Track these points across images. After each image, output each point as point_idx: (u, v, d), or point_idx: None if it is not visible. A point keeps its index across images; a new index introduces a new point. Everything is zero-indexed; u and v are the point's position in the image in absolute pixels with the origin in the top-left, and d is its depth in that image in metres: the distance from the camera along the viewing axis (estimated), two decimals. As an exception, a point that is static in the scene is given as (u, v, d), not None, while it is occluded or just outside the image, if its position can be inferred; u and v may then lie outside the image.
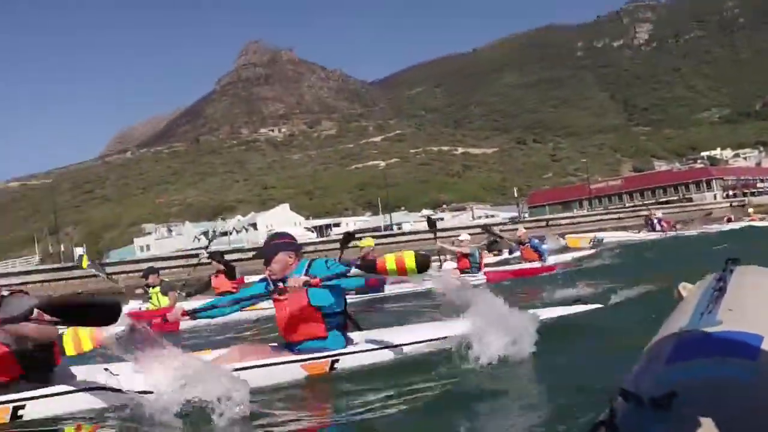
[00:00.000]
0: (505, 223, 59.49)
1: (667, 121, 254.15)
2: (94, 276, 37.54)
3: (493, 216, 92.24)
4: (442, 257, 18.11)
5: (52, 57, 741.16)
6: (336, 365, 5.41)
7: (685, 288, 2.88)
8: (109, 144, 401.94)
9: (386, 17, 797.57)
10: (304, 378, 5.32)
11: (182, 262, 40.52)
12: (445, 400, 4.65)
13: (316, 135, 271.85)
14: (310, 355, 5.39)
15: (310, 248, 45.25)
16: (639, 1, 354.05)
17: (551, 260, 18.55)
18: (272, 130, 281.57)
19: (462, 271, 15.16)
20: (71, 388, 4.70)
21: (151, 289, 13.20)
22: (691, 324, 2.24)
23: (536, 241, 18.00)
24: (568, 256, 20.72)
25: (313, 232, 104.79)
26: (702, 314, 2.32)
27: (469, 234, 16.94)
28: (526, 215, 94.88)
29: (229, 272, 14.01)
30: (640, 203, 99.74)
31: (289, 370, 5.32)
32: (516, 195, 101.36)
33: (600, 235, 22.41)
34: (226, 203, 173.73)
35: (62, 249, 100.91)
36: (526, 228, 24.37)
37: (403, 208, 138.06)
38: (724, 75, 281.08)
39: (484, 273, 14.65)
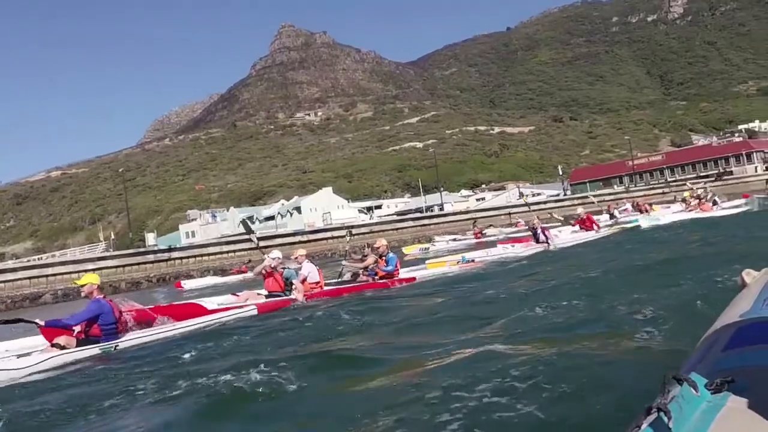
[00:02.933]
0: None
1: (703, 95, 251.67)
2: (166, 261, 40.65)
3: (539, 194, 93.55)
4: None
5: (88, 46, 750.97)
6: None
7: (749, 274, 2.82)
8: (148, 132, 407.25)
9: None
10: None
11: (230, 247, 43.38)
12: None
13: (352, 118, 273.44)
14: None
15: (365, 230, 47.77)
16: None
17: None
18: (308, 114, 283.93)
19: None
20: None
21: None
22: (753, 311, 2.15)
23: (390, 255, 16.36)
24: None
25: (366, 213, 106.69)
26: (765, 301, 2.23)
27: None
28: (569, 192, 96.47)
29: None
30: (681, 178, 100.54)
31: None
32: (560, 173, 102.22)
33: (469, 255, 19.27)
34: (266, 188, 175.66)
35: (112, 236, 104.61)
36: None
37: (442, 188, 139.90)
38: (760, 47, 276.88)
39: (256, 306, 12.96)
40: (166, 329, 10.70)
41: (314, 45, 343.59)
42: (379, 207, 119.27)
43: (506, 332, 6.83)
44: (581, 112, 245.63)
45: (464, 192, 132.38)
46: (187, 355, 8.09)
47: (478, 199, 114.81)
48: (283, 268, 14.38)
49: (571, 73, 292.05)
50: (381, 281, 15.59)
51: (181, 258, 37.15)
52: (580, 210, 26.04)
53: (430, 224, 49.68)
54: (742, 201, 29.53)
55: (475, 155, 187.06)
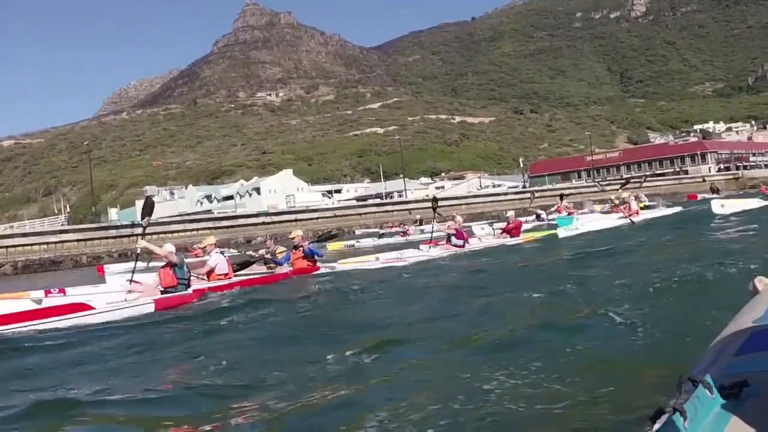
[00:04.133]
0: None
1: (661, 94, 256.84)
2: (128, 236, 40.17)
3: (499, 185, 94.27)
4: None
5: (45, 14, 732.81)
6: None
7: (761, 282, 2.87)
8: (105, 104, 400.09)
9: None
10: None
11: (193, 225, 42.97)
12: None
13: (314, 100, 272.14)
14: None
15: (328, 213, 47.84)
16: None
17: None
18: (269, 95, 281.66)
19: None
20: None
21: None
22: (766, 317, 2.20)
23: (311, 246, 16.15)
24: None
25: (329, 197, 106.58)
26: None
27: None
28: (527, 185, 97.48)
29: None
30: (638, 175, 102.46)
31: None
32: (521, 165, 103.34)
33: (383, 256, 17.65)
34: (225, 167, 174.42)
35: (67, 209, 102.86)
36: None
37: (401, 175, 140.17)
38: (717, 49, 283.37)
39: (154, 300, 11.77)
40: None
41: (278, 25, 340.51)
42: (338, 191, 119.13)
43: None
44: (541, 105, 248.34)
45: (423, 180, 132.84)
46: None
47: (437, 188, 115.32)
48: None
49: (533, 66, 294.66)
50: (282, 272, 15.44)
51: (143, 234, 36.87)
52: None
53: (393, 210, 49.82)
54: (676, 209, 28.41)
55: (436, 143, 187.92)
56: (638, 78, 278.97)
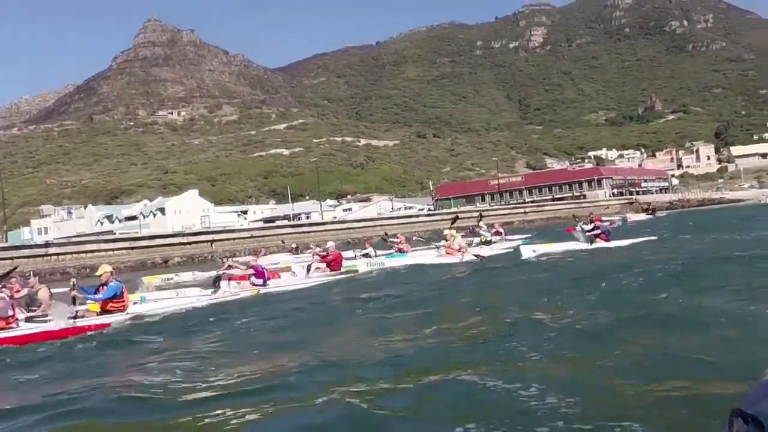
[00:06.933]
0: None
1: (557, 121, 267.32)
2: (42, 256, 38.62)
3: (410, 207, 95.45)
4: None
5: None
6: None
7: None
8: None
9: (291, 3, 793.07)
10: None
11: (109, 245, 41.73)
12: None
13: (217, 120, 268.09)
14: None
15: (245, 234, 47.32)
16: (535, 6, 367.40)
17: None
18: (171, 113, 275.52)
19: None
20: None
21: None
22: None
23: (113, 283, 12.89)
24: None
25: (245, 218, 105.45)
26: None
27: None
28: (431, 208, 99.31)
29: None
30: (539, 199, 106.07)
31: None
32: (432, 188, 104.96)
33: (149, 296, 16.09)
34: (124, 187, 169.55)
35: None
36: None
37: (307, 197, 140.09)
38: (609, 80, 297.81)
39: None
40: None
41: (180, 42, 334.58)
42: (245, 212, 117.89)
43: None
44: (444, 129, 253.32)
45: (330, 202, 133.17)
46: None
47: (345, 209, 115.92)
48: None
49: (436, 91, 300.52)
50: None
51: (58, 254, 35.24)
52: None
53: (310, 231, 49.76)
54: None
55: (342, 166, 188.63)
56: (536, 106, 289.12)
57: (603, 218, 31.21)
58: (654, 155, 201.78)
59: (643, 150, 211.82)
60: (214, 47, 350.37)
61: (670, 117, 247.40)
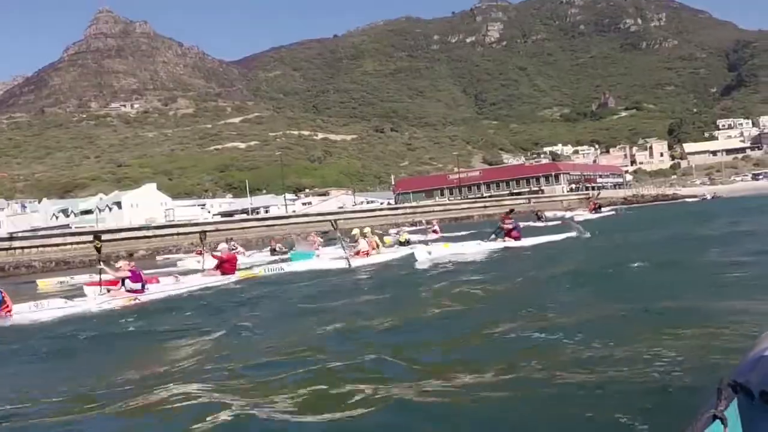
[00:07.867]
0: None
1: (513, 117, 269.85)
2: (6, 249, 37.69)
3: (372, 201, 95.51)
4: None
5: None
6: None
7: None
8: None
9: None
10: None
11: (74, 239, 40.95)
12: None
13: (172, 113, 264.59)
14: None
15: (210, 227, 46.72)
16: (491, 1, 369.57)
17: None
18: (124, 105, 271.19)
19: None
20: None
21: None
22: None
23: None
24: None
25: (209, 212, 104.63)
26: None
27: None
28: (391, 202, 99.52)
29: None
30: (497, 194, 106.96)
31: None
32: (393, 183, 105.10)
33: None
34: (78, 180, 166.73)
35: None
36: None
37: (264, 191, 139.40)
38: (564, 76, 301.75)
39: None
40: None
41: (133, 34, 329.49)
42: (203, 206, 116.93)
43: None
44: (401, 124, 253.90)
45: (288, 196, 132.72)
46: None
47: (304, 203, 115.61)
48: None
49: (393, 86, 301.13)
50: None
51: (22, 247, 34.44)
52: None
53: (274, 225, 49.49)
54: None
55: (299, 159, 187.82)
56: (492, 101, 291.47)
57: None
58: (608, 151, 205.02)
59: (597, 146, 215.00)
60: (168, 39, 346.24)
61: (624, 114, 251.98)
